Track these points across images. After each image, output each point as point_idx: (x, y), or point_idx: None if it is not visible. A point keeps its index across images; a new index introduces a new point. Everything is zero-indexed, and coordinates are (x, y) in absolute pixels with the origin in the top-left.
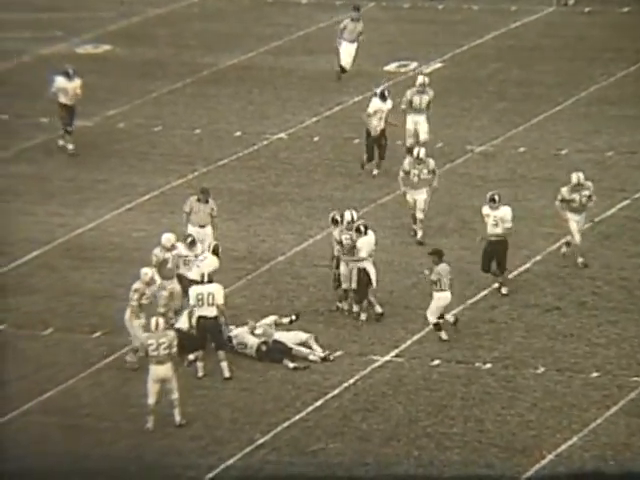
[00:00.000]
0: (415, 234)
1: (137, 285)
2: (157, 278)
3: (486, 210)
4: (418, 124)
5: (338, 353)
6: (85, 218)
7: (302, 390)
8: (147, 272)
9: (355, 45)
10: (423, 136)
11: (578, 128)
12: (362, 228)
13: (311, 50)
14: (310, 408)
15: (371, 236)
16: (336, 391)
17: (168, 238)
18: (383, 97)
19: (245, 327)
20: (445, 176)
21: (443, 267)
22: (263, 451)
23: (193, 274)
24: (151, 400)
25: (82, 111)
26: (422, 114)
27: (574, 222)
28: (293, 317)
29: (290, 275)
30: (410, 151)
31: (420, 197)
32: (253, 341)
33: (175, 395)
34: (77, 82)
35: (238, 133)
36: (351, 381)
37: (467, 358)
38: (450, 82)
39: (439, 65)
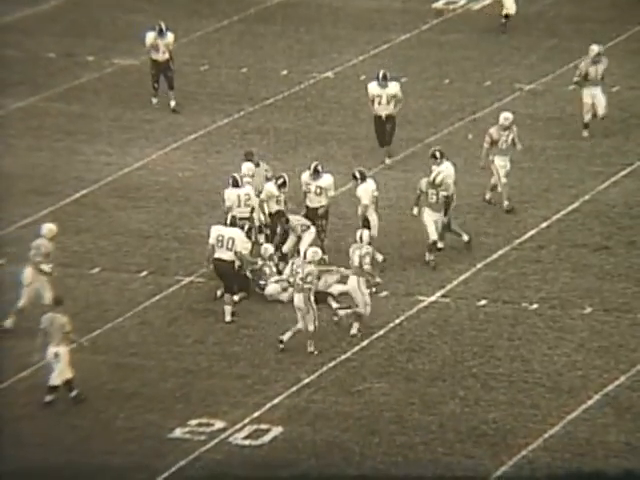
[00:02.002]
0: (494, 201)
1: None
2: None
3: (432, 167)
4: (595, 97)
5: (384, 293)
6: (132, 157)
7: (348, 330)
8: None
9: None
10: (601, 111)
11: (631, 65)
12: (358, 174)
13: None
14: (356, 348)
15: (370, 183)
16: (382, 331)
17: (249, 167)
18: (381, 80)
19: (277, 285)
20: (493, 115)
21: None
22: (309, 390)
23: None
24: (298, 324)
25: (129, 50)
26: (598, 86)
27: None
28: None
29: (336, 215)
30: (587, 126)
31: (508, 163)
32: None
33: (310, 327)
34: (169, 38)
35: (284, 72)
36: (397, 321)
37: (514, 298)
38: (499, 19)
39: (488, 1)
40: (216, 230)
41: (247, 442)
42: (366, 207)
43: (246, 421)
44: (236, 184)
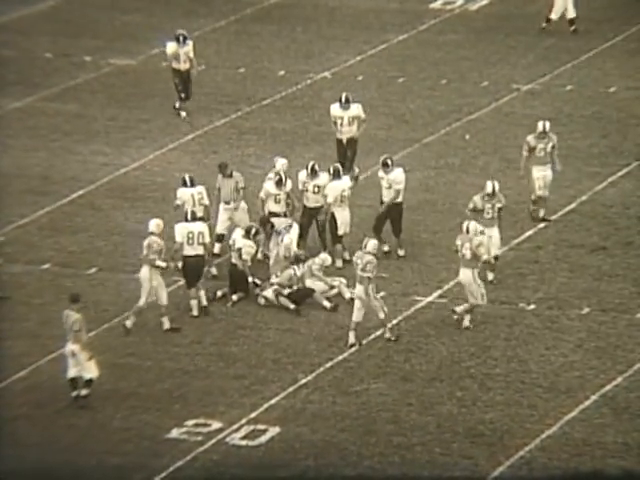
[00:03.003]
0: (536, 215)
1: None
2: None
3: (380, 173)
4: None
5: (382, 294)
6: (128, 158)
7: (345, 330)
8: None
9: None
10: None
11: (628, 65)
12: (331, 171)
13: None
14: (353, 349)
15: (343, 182)
16: (379, 332)
17: (283, 163)
18: (343, 103)
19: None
20: (490, 115)
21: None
22: (306, 391)
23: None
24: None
25: (126, 49)
26: None
27: None
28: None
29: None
30: None
31: (547, 173)
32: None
33: (380, 315)
34: (189, 46)
35: (282, 72)
36: (394, 322)
37: (511, 299)
38: (496, 19)
39: (485, 2)
40: (183, 228)
41: (244, 442)
42: (329, 206)
43: (243, 421)
44: (185, 184)
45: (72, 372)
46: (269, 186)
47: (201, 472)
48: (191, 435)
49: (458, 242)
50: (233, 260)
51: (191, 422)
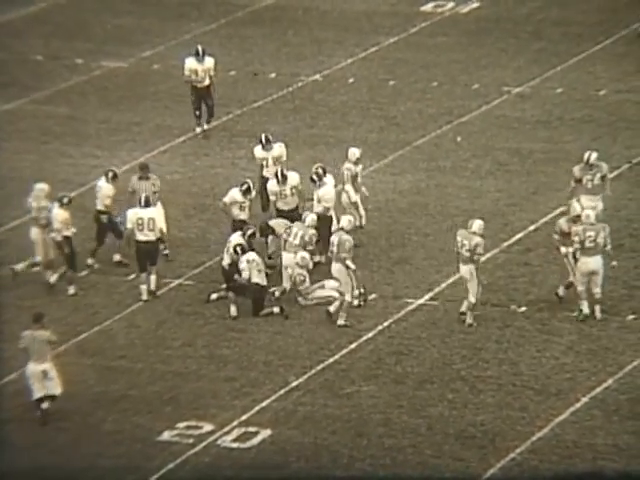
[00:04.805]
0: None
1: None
2: None
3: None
4: None
5: (372, 296)
6: (120, 160)
7: (336, 333)
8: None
9: None
10: None
11: (618, 68)
12: (316, 177)
13: None
14: (344, 351)
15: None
16: (370, 334)
17: (353, 152)
18: (265, 144)
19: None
20: (481, 118)
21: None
22: (297, 393)
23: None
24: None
25: (117, 52)
26: None
27: None
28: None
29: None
30: None
31: (597, 204)
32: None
33: (472, 298)
34: (209, 63)
35: (273, 75)
36: (385, 324)
37: (502, 301)
38: (487, 22)
39: (476, 5)
40: (134, 214)
41: (235, 445)
42: (329, 210)
43: (234, 424)
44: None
45: (39, 393)
46: (235, 193)
47: (192, 474)
48: (182, 437)
49: (579, 229)
50: (223, 262)
51: (182, 424)
